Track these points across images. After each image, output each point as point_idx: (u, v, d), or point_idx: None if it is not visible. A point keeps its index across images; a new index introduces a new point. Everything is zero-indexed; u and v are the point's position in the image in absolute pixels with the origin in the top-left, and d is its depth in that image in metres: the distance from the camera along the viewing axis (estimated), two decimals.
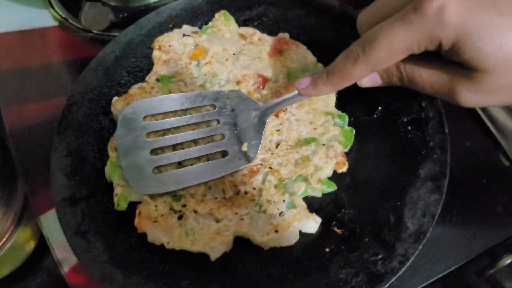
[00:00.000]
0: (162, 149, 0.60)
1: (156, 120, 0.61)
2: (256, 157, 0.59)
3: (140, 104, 0.61)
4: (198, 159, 0.59)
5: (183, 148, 0.60)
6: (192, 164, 0.59)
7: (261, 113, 0.60)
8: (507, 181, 0.62)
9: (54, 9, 0.85)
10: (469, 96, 0.48)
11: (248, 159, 0.59)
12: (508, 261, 0.58)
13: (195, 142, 0.60)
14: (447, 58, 0.48)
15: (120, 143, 0.59)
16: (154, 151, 0.59)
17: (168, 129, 0.61)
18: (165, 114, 0.62)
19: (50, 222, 0.63)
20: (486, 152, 0.65)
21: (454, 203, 0.59)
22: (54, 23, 0.83)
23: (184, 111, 0.62)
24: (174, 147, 0.60)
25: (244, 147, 0.59)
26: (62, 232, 0.60)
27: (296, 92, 0.58)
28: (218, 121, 0.61)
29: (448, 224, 0.58)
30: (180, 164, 0.59)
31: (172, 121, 0.61)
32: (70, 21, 0.82)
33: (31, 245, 0.68)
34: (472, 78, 0.47)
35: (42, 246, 0.68)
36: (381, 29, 0.48)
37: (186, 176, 0.58)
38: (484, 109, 0.65)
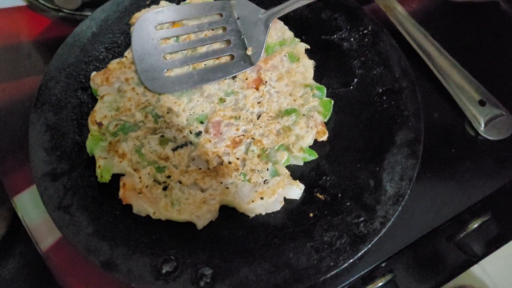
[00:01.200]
0: (175, 54, 0.65)
1: (168, 28, 0.67)
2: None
3: (152, 15, 0.66)
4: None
5: (193, 53, 0.65)
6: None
7: (264, 19, 0.65)
8: (473, 149, 0.65)
9: None
10: None
11: (252, 62, 0.64)
12: (476, 225, 0.61)
13: (204, 47, 0.66)
14: None
15: (136, 50, 0.64)
16: (167, 55, 0.65)
17: (179, 36, 0.66)
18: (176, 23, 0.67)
19: (25, 202, 0.62)
20: (453, 123, 0.67)
21: (425, 172, 0.62)
22: (22, 3, 0.81)
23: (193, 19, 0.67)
24: (185, 52, 0.66)
25: (249, 51, 0.64)
26: (38, 212, 0.59)
27: None
28: (225, 28, 0.66)
29: (420, 192, 0.60)
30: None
31: (182, 29, 0.66)
32: (40, 0, 0.80)
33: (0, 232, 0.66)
34: None
35: (13, 232, 0.67)
36: None
37: (197, 76, 0.63)
38: (449, 81, 0.68)
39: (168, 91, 0.62)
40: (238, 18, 0.66)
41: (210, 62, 0.65)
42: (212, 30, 0.67)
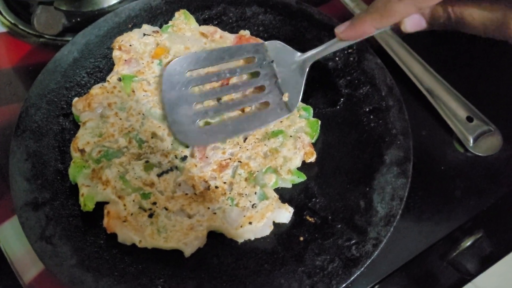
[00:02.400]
0: (206, 102, 0.62)
1: (199, 74, 0.64)
2: None
3: (182, 60, 0.63)
4: (242, 111, 0.61)
5: (226, 101, 0.62)
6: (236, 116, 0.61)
7: (301, 62, 0.61)
8: (463, 166, 0.64)
9: (2, 15, 0.81)
10: None
11: (289, 109, 0.60)
12: (469, 243, 0.60)
13: (237, 93, 0.63)
14: None
15: (167, 99, 0.61)
16: (199, 104, 0.62)
17: (211, 82, 0.63)
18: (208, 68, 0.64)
19: (6, 234, 0.60)
20: (441, 140, 0.67)
21: (416, 191, 0.61)
22: (2, 29, 0.80)
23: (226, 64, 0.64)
24: (218, 99, 0.63)
25: (285, 97, 0.61)
26: (20, 243, 0.58)
27: (335, 39, 0.59)
28: (259, 73, 0.63)
29: (411, 211, 0.60)
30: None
31: (214, 75, 0.63)
32: (20, 26, 0.79)
33: None
34: None
35: None
36: None
37: (232, 127, 0.60)
38: (436, 98, 0.68)
39: (202, 144, 0.59)
40: (272, 61, 0.63)
41: (245, 110, 0.62)
42: (246, 75, 0.64)
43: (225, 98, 0.62)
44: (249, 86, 0.63)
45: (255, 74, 0.63)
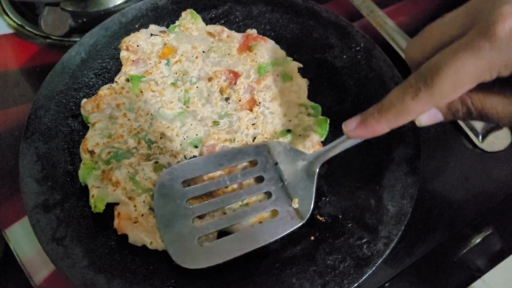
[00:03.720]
0: (207, 216, 0.55)
1: (196, 184, 0.57)
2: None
3: (177, 169, 0.57)
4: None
5: (228, 211, 0.56)
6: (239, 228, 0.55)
7: (308, 164, 0.56)
8: (472, 163, 0.64)
9: (8, 16, 0.81)
10: None
11: (301, 216, 0.54)
12: (478, 240, 0.60)
13: (240, 202, 0.56)
14: None
15: (161, 214, 0.54)
16: (197, 219, 0.55)
17: (211, 193, 0.57)
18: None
19: (17, 235, 0.60)
20: (450, 137, 0.67)
21: (425, 187, 0.61)
22: (9, 30, 0.80)
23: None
24: (219, 211, 0.56)
25: (295, 203, 0.54)
26: (31, 244, 0.58)
27: (344, 137, 0.52)
28: (263, 178, 0.57)
29: (420, 208, 0.60)
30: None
31: (213, 184, 0.56)
32: (27, 28, 0.79)
33: None
34: None
35: (5, 265, 0.65)
36: (444, 58, 0.42)
37: (236, 244, 0.53)
38: None
39: (205, 265, 0.51)
40: (276, 164, 0.57)
41: (250, 220, 0.55)
42: (248, 180, 0.57)
43: (227, 210, 0.56)
44: (253, 193, 0.56)
45: (258, 179, 0.57)
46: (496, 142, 0.65)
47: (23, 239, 0.60)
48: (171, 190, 0.55)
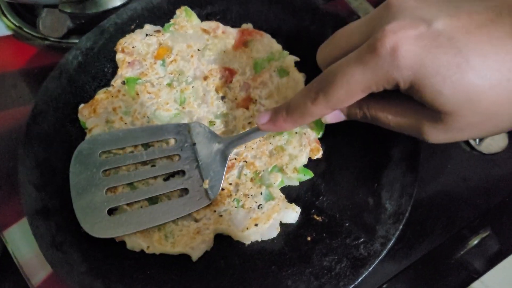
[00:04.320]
0: (119, 188, 0.57)
1: (114, 155, 0.58)
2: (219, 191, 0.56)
3: (97, 139, 0.58)
4: (158, 197, 0.57)
5: (141, 185, 0.57)
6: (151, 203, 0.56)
7: (223, 148, 0.57)
8: (469, 164, 0.63)
9: (7, 17, 0.82)
10: (437, 135, 0.46)
11: (209, 197, 0.55)
12: (476, 242, 0.59)
13: (154, 178, 0.58)
14: (410, 97, 0.45)
15: (75, 182, 0.56)
16: (110, 190, 0.56)
17: (126, 166, 0.58)
18: (123, 149, 0.59)
19: (15, 236, 0.61)
20: None
21: (422, 189, 0.60)
22: (7, 32, 0.81)
23: (144, 145, 0.59)
24: (132, 184, 0.57)
25: (206, 184, 0.56)
26: (29, 246, 0.59)
27: (256, 127, 0.55)
28: (180, 156, 0.58)
29: (418, 210, 0.59)
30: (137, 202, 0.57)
31: (130, 157, 0.58)
32: (25, 29, 0.80)
33: None
34: (438, 119, 0.44)
35: (2, 267, 0.66)
36: (338, 68, 0.46)
37: (144, 217, 0.55)
38: None
39: (111, 235, 0.54)
40: (194, 144, 0.58)
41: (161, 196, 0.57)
42: (165, 158, 0.59)
43: (140, 183, 0.57)
44: (168, 170, 0.58)
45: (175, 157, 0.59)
46: (493, 144, 0.64)
47: (21, 241, 0.60)
48: (88, 159, 0.57)
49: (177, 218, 0.55)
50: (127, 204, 0.56)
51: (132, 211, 0.55)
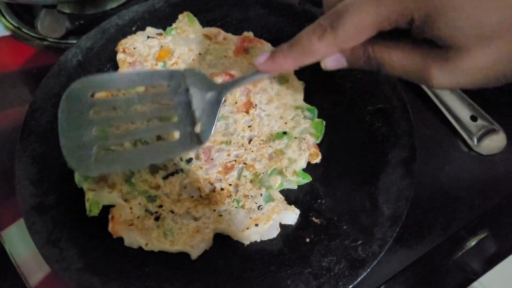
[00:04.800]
0: (109, 128, 0.57)
1: (105, 97, 0.58)
2: (211, 140, 0.56)
3: (89, 80, 0.56)
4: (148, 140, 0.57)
5: (132, 128, 0.57)
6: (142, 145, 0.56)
7: (216, 93, 0.55)
8: (468, 166, 0.64)
9: (5, 18, 0.82)
10: (442, 77, 0.46)
11: (200, 141, 0.54)
12: (474, 243, 0.60)
13: (146, 122, 0.58)
14: (420, 36, 0.45)
15: (63, 119, 0.54)
16: (100, 131, 0.55)
17: (117, 108, 0.57)
18: (115, 92, 0.59)
19: (12, 237, 0.61)
20: (445, 140, 0.67)
21: (420, 191, 0.61)
22: (6, 32, 0.81)
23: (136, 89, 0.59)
24: (123, 126, 0.57)
25: (197, 128, 0.54)
26: (26, 246, 0.58)
27: (255, 70, 0.54)
28: (172, 100, 0.57)
29: (416, 211, 0.60)
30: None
31: (121, 99, 0.58)
32: (24, 30, 0.80)
33: None
34: (446, 58, 0.44)
35: (0, 267, 0.65)
36: (350, 3, 0.45)
37: (134, 157, 0.54)
38: (440, 98, 0.68)
39: (95, 173, 0.54)
40: (187, 90, 0.56)
41: (149, 139, 0.57)
42: (157, 102, 0.58)
43: (130, 125, 0.58)
44: (160, 113, 0.58)
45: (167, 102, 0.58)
46: (491, 145, 0.65)
47: (18, 241, 0.60)
48: (78, 99, 0.55)
49: (177, 216, 0.55)
50: (116, 145, 0.55)
51: (121, 151, 0.55)
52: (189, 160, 0.59)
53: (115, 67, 0.66)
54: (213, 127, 0.54)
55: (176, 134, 0.56)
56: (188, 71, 0.57)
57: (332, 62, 0.51)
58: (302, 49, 0.49)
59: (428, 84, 0.47)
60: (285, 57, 0.50)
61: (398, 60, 0.48)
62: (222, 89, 0.56)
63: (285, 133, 0.61)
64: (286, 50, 0.50)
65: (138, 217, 0.55)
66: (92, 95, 0.56)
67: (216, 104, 0.55)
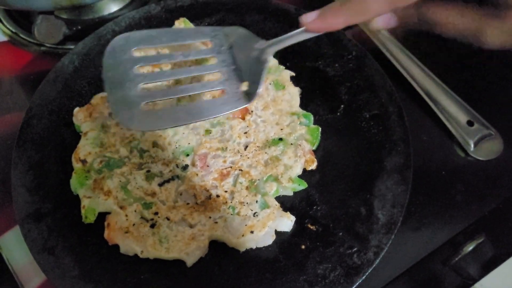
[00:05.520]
0: (155, 85, 0.57)
1: (148, 54, 0.58)
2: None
3: (130, 36, 0.56)
4: (192, 97, 0.56)
5: (177, 85, 0.57)
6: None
7: (262, 50, 0.55)
8: (464, 171, 0.64)
9: (3, 24, 0.82)
10: (496, 37, 0.45)
11: (248, 98, 0.53)
12: (471, 248, 0.60)
13: (190, 79, 0.57)
14: None
15: (108, 76, 0.54)
16: (146, 88, 0.55)
17: (162, 64, 0.58)
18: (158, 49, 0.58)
19: (9, 243, 0.61)
20: (442, 145, 0.67)
21: (417, 196, 0.61)
22: (3, 38, 0.81)
23: (179, 47, 0.59)
24: (167, 83, 0.57)
25: (244, 86, 0.54)
26: (23, 252, 0.58)
27: (302, 28, 0.52)
28: (215, 59, 0.57)
29: (413, 216, 0.60)
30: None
31: (165, 56, 0.57)
32: (21, 35, 0.80)
33: None
34: (502, 17, 0.44)
35: None
36: None
37: (181, 114, 0.53)
38: (436, 103, 0.68)
39: (146, 129, 0.54)
40: (231, 47, 0.56)
41: (198, 97, 0.57)
42: (201, 59, 0.59)
43: (176, 82, 0.57)
44: (204, 71, 0.57)
45: (211, 60, 0.58)
46: (488, 150, 0.65)
47: (15, 248, 0.60)
48: (121, 54, 0.55)
49: (172, 223, 0.55)
50: (162, 102, 0.54)
51: (169, 107, 0.54)
52: (185, 167, 0.59)
53: None
54: (260, 86, 0.53)
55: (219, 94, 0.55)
56: (231, 29, 0.57)
57: (382, 21, 0.51)
58: (355, 7, 0.47)
59: (481, 43, 0.47)
60: (335, 15, 0.48)
61: (452, 19, 0.47)
62: (267, 47, 0.55)
63: (281, 139, 0.61)
64: (337, 8, 0.48)
65: (133, 224, 0.55)
66: (134, 51, 0.56)
67: (262, 62, 0.54)
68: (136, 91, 0.53)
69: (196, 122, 0.55)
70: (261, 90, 0.53)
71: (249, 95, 0.54)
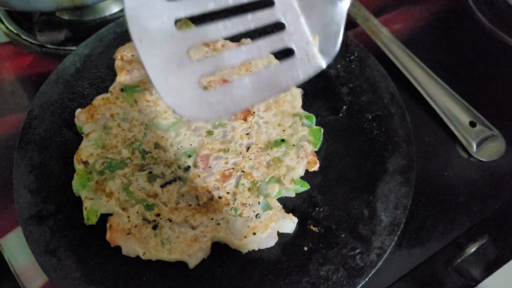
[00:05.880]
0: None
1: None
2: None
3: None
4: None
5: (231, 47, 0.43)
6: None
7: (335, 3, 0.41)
8: (467, 172, 0.64)
9: (5, 25, 0.82)
10: None
11: (324, 57, 0.40)
12: (473, 249, 0.60)
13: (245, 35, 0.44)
14: None
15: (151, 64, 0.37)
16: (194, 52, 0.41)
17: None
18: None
19: (11, 245, 0.60)
20: (445, 146, 0.67)
21: (419, 197, 0.61)
22: (5, 39, 0.81)
23: None
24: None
25: (315, 40, 0.40)
26: (25, 254, 0.57)
27: None
28: (273, 3, 0.40)
29: (415, 217, 0.60)
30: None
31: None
32: (23, 36, 0.79)
33: None
34: None
35: None
36: None
37: (249, 90, 0.38)
38: (438, 104, 0.67)
39: (214, 116, 0.38)
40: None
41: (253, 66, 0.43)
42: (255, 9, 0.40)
43: (230, 44, 0.43)
44: (262, 21, 0.39)
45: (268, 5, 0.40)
46: (490, 151, 0.65)
47: (17, 249, 0.60)
48: (153, 9, 0.38)
49: (174, 224, 0.55)
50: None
51: (227, 85, 0.38)
52: (187, 168, 0.59)
53: (113, 74, 0.66)
54: (340, 37, 0.40)
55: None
56: None
57: None
58: None
59: None
60: None
61: None
62: None
63: (283, 140, 0.60)
64: None
65: (135, 226, 0.55)
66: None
67: (337, 6, 0.41)
68: (187, 62, 0.38)
69: (267, 97, 0.40)
70: (338, 46, 0.40)
71: (325, 54, 0.40)
